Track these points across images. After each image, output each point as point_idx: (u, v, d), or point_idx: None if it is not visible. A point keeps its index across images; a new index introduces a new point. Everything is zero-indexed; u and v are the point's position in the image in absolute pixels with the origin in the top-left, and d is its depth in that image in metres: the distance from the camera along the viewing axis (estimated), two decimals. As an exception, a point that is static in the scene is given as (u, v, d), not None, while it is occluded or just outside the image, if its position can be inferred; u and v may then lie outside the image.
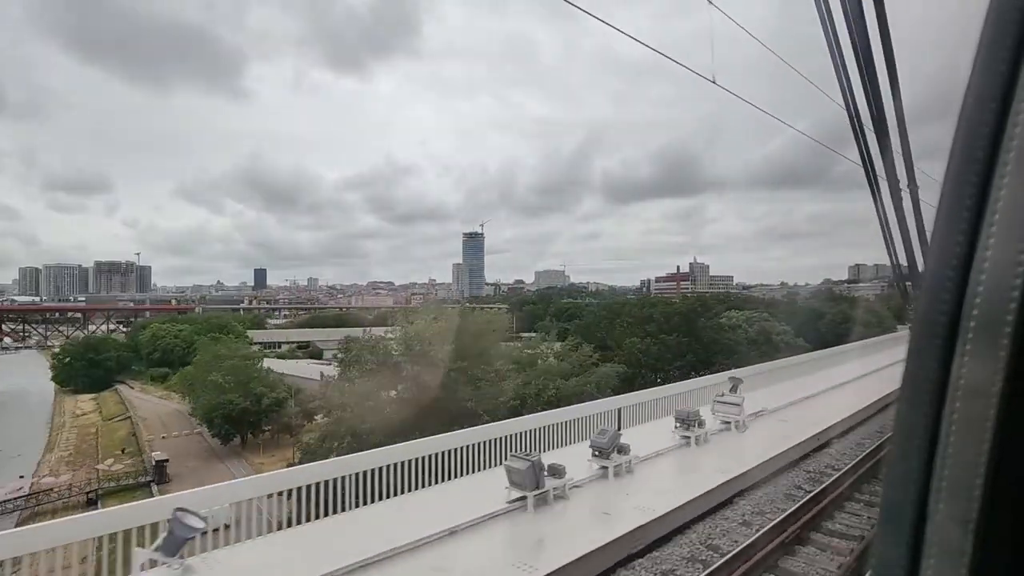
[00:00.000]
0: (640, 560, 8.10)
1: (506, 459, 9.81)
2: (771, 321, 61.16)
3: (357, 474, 9.33)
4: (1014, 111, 0.55)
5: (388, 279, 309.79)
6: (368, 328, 39.27)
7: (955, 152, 0.60)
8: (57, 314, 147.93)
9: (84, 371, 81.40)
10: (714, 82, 7.79)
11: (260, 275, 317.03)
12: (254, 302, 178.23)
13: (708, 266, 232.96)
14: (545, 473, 9.40)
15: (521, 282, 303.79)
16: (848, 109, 3.27)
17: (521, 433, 11.99)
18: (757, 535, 8.58)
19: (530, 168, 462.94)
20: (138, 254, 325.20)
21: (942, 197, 0.61)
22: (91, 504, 38.47)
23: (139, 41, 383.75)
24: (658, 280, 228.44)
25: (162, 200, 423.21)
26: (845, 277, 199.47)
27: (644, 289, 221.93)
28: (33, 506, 39.56)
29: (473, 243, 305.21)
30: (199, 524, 7.05)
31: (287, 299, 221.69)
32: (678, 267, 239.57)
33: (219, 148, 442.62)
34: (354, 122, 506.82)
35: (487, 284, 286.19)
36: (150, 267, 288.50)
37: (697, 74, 7.48)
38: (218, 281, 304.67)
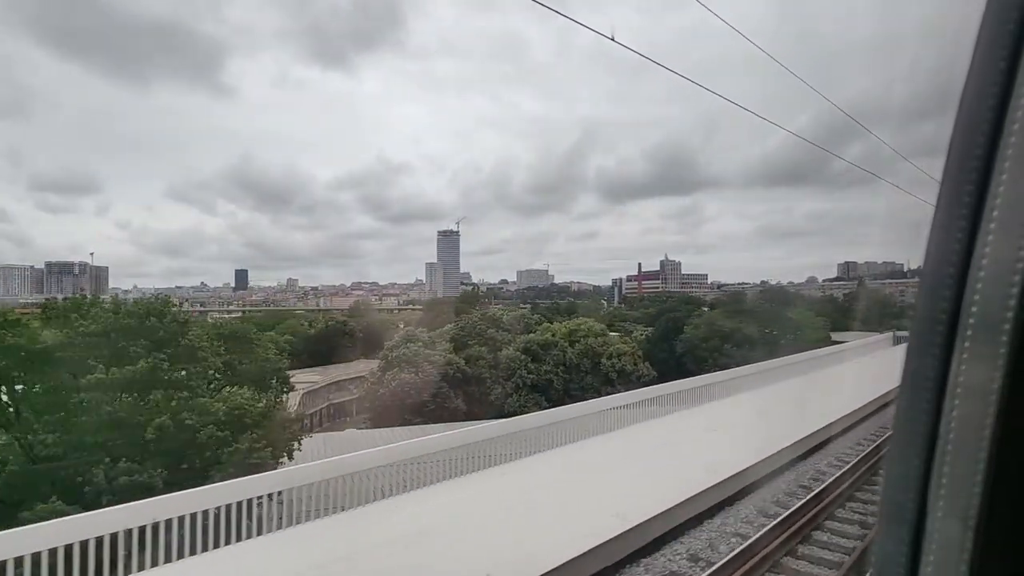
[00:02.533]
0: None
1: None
2: (606, 336, 45.54)
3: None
4: (1012, 107, 0.54)
5: (388, 280, 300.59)
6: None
7: (954, 148, 0.59)
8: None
9: None
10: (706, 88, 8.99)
11: (241, 276, 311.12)
12: (186, 304, 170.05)
13: (680, 263, 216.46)
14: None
15: (505, 282, 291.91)
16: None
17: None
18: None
19: (525, 167, 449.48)
20: (92, 254, 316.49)
21: (941, 194, 0.60)
22: None
23: (119, 36, 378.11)
24: (629, 279, 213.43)
25: (154, 200, 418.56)
26: (835, 275, 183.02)
27: (616, 289, 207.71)
28: None
29: (448, 241, 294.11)
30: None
31: (257, 300, 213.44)
32: (639, 265, 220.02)
33: (207, 147, 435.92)
34: (343, 120, 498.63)
35: (463, 284, 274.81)
36: (107, 267, 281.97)
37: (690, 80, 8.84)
38: (202, 283, 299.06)
